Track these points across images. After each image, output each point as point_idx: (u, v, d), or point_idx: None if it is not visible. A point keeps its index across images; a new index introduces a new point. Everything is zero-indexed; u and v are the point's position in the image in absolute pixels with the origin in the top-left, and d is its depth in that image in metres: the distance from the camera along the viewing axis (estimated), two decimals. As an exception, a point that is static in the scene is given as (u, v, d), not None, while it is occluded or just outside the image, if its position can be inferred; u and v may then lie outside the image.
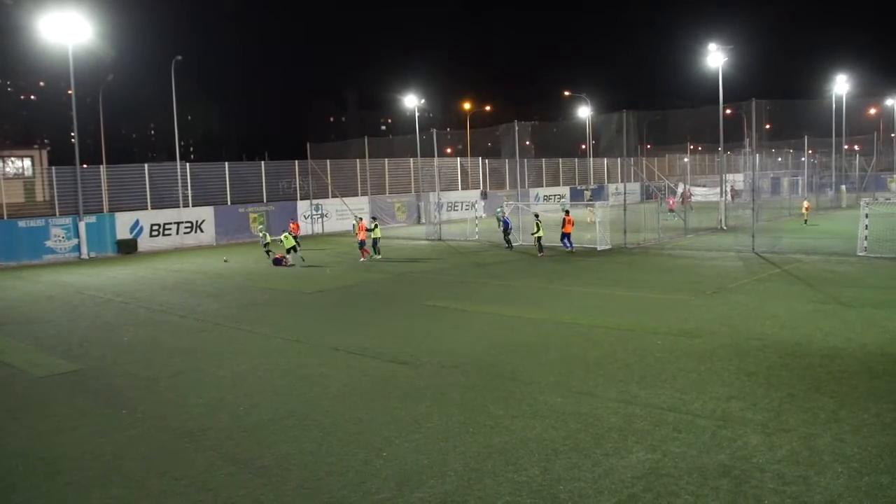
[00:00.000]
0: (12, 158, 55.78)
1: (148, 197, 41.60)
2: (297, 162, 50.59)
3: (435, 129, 49.90)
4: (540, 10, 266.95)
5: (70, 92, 41.15)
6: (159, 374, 14.45)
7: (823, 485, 8.23)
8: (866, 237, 27.48)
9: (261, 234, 34.69)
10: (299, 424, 11.00)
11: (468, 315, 19.06)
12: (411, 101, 64.68)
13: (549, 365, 13.68)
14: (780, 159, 79.63)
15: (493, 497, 8.28)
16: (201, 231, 43.14)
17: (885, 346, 14.26)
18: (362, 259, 32.03)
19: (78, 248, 37.91)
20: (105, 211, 39.98)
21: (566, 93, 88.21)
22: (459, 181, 60.05)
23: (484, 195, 59.38)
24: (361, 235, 32.58)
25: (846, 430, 9.84)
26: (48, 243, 37.12)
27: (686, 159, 75.07)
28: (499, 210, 38.14)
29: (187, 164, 45.97)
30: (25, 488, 9.27)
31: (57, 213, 38.14)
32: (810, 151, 58.87)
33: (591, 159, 74.10)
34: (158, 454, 10.13)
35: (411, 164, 56.20)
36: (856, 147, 76.66)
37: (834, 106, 58.17)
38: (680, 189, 54.08)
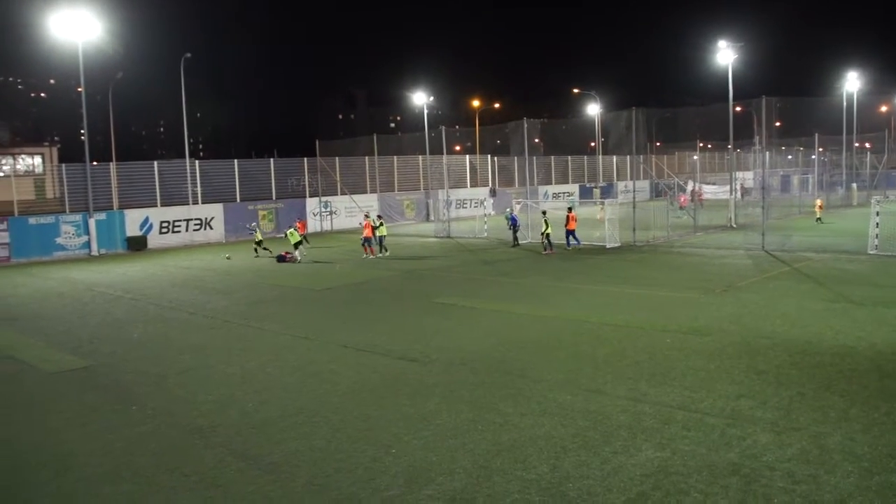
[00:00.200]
0: (23, 156, 56.04)
1: (157, 194, 41.77)
2: (306, 159, 50.68)
3: (444, 127, 49.89)
4: (549, 7, 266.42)
5: (80, 89, 41.17)
6: (169, 370, 14.50)
7: (833, 484, 8.20)
8: (877, 235, 27.34)
9: (254, 232, 34.73)
10: (308, 421, 11.01)
11: (477, 312, 19.06)
12: (420, 99, 64.65)
13: (558, 362, 13.66)
14: (790, 157, 79.31)
15: (501, 494, 8.28)
16: (210, 228, 43.27)
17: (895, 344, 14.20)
18: (364, 256, 32.06)
19: (88, 244, 38.07)
20: (115, 208, 40.14)
21: (575, 90, 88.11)
22: (468, 179, 60.08)
23: (493, 193, 59.35)
24: (367, 233, 32.58)
25: (856, 429, 9.80)
26: (58, 240, 37.30)
27: (696, 157, 74.83)
28: (508, 210, 38.10)
29: (197, 161, 46.11)
30: (36, 484, 9.31)
31: (67, 211, 38.32)
32: (821, 149, 58.52)
33: (601, 157, 73.94)
34: (168, 450, 10.17)
35: (420, 162, 56.23)
36: (867, 145, 76.19)
37: (845, 103, 57.88)
38: (690, 187, 53.94)
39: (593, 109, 77.15)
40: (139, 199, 41.25)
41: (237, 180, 45.50)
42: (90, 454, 10.19)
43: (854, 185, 59.33)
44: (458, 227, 43.03)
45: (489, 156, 63.46)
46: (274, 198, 47.22)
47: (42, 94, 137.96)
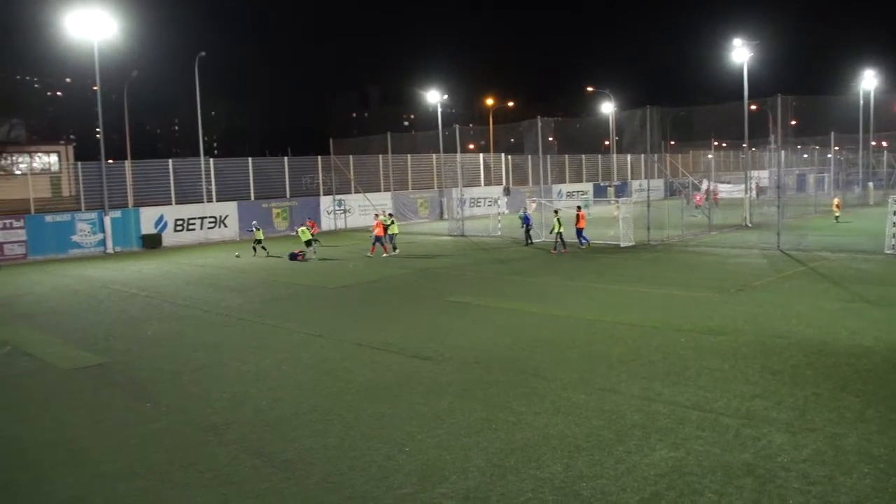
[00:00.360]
0: (39, 154, 56.40)
1: (172, 192, 41.92)
2: (319, 157, 50.76)
3: (457, 125, 49.93)
4: (563, 7, 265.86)
5: (95, 88, 41.46)
6: (183, 367, 14.56)
7: (849, 485, 8.15)
8: (894, 235, 27.13)
9: (254, 230, 34.80)
10: (322, 419, 11.04)
11: (491, 311, 19.05)
12: (434, 97, 64.68)
13: (572, 361, 13.64)
14: (805, 156, 78.76)
15: (515, 493, 8.28)
16: (225, 226, 43.41)
17: (912, 345, 14.10)
18: (369, 254, 32.06)
19: (103, 242, 38.27)
20: (130, 206, 40.34)
21: (589, 89, 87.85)
22: (482, 177, 60.03)
23: (506, 191, 59.27)
24: (378, 232, 32.53)
25: (873, 430, 9.74)
26: (74, 238, 37.51)
27: (710, 156, 74.44)
28: (522, 210, 38.05)
29: (211, 159, 46.24)
30: (52, 479, 9.38)
31: (83, 208, 38.53)
32: (837, 148, 58.12)
33: (615, 155, 73.73)
34: (182, 447, 10.22)
35: (434, 160, 56.20)
36: (884, 143, 75.63)
37: (861, 101, 57.41)
38: (704, 185, 53.67)
39: (607, 108, 76.97)
40: (154, 197, 41.45)
41: (251, 178, 45.62)
42: (105, 451, 10.25)
43: (871, 184, 58.89)
44: (471, 225, 43.01)
45: (503, 154, 63.36)
46: (288, 196, 47.33)
47: (58, 93, 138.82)
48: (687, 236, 34.85)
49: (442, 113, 59.54)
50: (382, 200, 50.11)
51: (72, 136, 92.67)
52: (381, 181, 53.55)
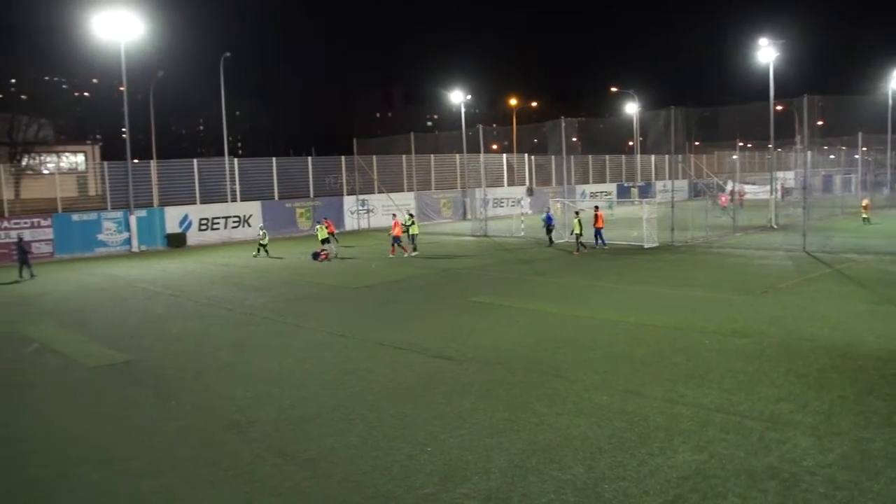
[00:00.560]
0: (66, 154, 57.02)
1: (197, 191, 42.26)
2: (343, 157, 50.94)
3: (481, 126, 49.79)
4: (587, 7, 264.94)
5: (122, 89, 41.85)
6: (207, 366, 14.67)
7: (876, 490, 8.06)
8: (923, 237, 26.78)
9: (261, 233, 34.86)
10: (345, 418, 11.07)
11: (513, 311, 19.02)
12: (457, 97, 64.69)
13: (595, 363, 13.59)
14: (832, 157, 77.97)
15: (537, 494, 8.26)
16: (249, 225, 43.66)
17: (941, 348, 13.91)
18: (391, 255, 32.11)
19: (129, 241, 38.65)
20: (155, 205, 40.72)
21: (613, 89, 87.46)
22: (505, 177, 59.97)
23: (530, 192, 59.16)
24: (396, 231, 32.60)
25: (900, 434, 9.63)
26: (100, 236, 37.91)
27: (735, 156, 73.92)
28: (546, 211, 37.95)
29: (235, 159, 46.60)
30: (78, 475, 9.48)
31: (109, 207, 38.94)
32: (864, 148, 57.49)
33: (639, 156, 73.37)
34: (206, 445, 10.29)
35: (457, 160, 56.20)
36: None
37: (890, 101, 56.72)
38: (729, 187, 53.30)
39: (632, 108, 76.62)
40: (179, 197, 41.81)
41: (275, 178, 45.89)
42: (130, 448, 10.35)
43: (899, 185, 58.17)
44: (494, 225, 42.98)
45: (526, 155, 63.26)
46: (312, 196, 47.54)
47: (85, 94, 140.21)
48: (711, 237, 34.61)
49: (465, 113, 59.55)
50: (405, 200, 50.19)
51: (98, 136, 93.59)
52: (405, 181, 53.65)
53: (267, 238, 34.49)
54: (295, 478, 9.04)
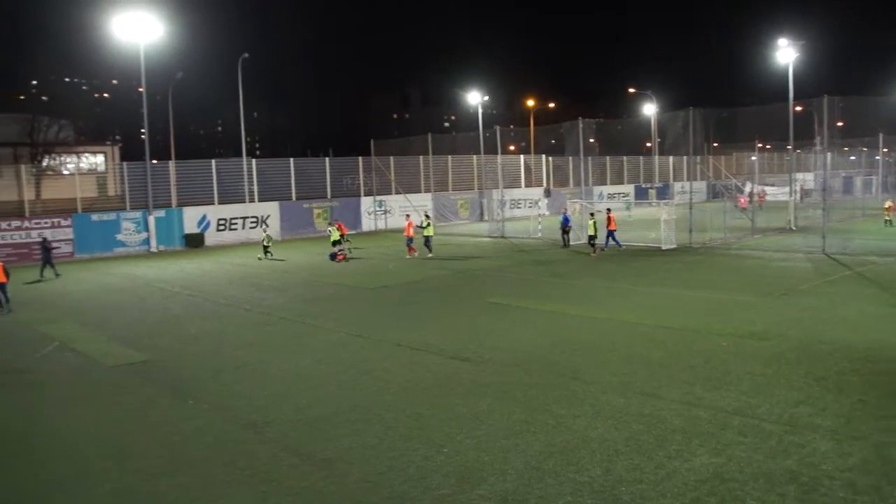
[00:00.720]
0: (86, 154, 57.38)
1: (215, 192, 42.51)
2: (360, 158, 51.04)
3: (498, 127, 49.72)
4: (605, 7, 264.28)
5: (141, 90, 42.17)
6: (225, 366, 14.73)
7: (897, 494, 7.98)
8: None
9: (264, 235, 34.87)
10: (361, 418, 11.09)
11: (530, 313, 18.98)
12: (475, 98, 64.68)
13: (612, 365, 13.54)
14: (852, 158, 77.37)
15: (553, 496, 8.24)
16: (267, 226, 43.82)
17: (963, 352, 13.76)
18: (408, 256, 32.12)
19: (147, 241, 38.92)
20: (173, 205, 40.97)
21: (631, 90, 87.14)
22: (523, 179, 59.91)
23: (547, 193, 59.06)
24: (409, 232, 32.64)
25: (921, 439, 9.53)
26: (119, 236, 38.20)
27: (754, 157, 73.46)
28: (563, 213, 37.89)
29: (253, 160, 46.86)
30: (96, 473, 9.54)
31: (127, 208, 39.22)
32: (885, 149, 57.00)
33: (657, 157, 73.07)
34: (223, 444, 10.33)
35: (474, 161, 56.22)
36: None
37: (911, 102, 56.23)
38: (748, 188, 52.98)
39: (649, 109, 76.30)
40: (197, 197, 42.04)
41: (293, 179, 46.08)
42: (148, 446, 10.41)
43: (921, 187, 57.64)
44: (511, 227, 42.94)
45: (544, 156, 63.18)
46: (329, 196, 47.68)
47: (105, 95, 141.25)
48: (729, 239, 34.40)
49: (483, 114, 59.56)
50: (423, 201, 50.24)
51: (118, 137, 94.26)
52: (422, 182, 53.71)
53: (271, 241, 34.48)
54: (311, 478, 9.06)
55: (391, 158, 52.08)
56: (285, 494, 8.63)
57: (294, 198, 46.01)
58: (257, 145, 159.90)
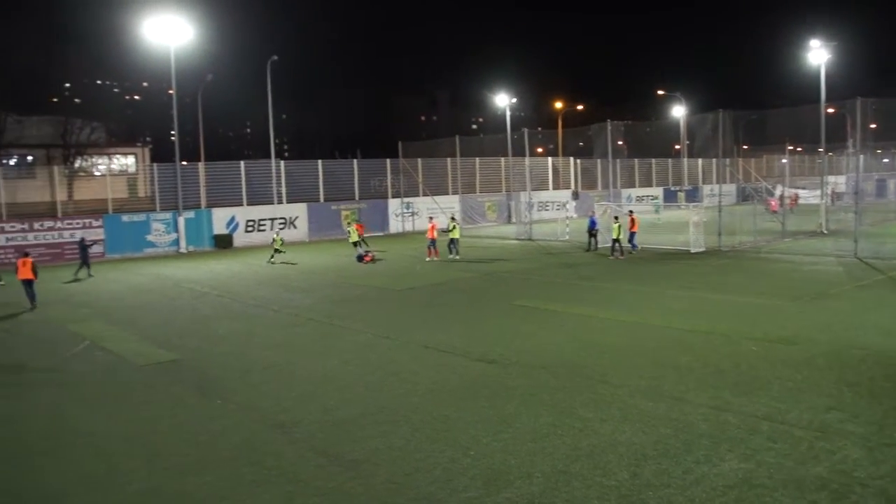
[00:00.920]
0: (117, 156, 58.07)
1: (244, 193, 42.83)
2: (388, 160, 51.17)
3: (526, 129, 49.61)
4: (633, 10, 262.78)
5: (171, 92, 42.60)
6: (253, 366, 14.83)
7: (930, 502, 7.86)
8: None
9: (275, 237, 34.90)
10: (389, 420, 11.11)
11: (557, 316, 18.92)
12: (503, 101, 64.58)
13: (640, 368, 13.46)
14: (886, 160, 76.35)
15: (580, 500, 8.20)
16: (295, 227, 44.12)
17: None
18: (428, 258, 32.10)
19: (176, 242, 39.29)
20: (203, 207, 41.33)
21: (660, 92, 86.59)
22: (550, 181, 59.73)
23: (575, 195, 58.84)
24: (432, 234, 32.65)
25: (955, 446, 9.37)
26: (149, 237, 38.61)
27: (784, 160, 72.72)
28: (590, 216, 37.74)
29: (282, 161, 47.15)
30: (126, 471, 9.64)
31: (157, 209, 39.63)
32: (920, 153, 56.13)
33: (686, 160, 72.56)
34: (251, 444, 10.40)
35: (502, 164, 56.16)
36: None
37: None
38: (778, 191, 52.44)
39: (678, 111, 75.78)
40: (226, 198, 42.37)
41: (321, 180, 46.31)
42: (177, 445, 10.50)
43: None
44: (539, 229, 42.83)
45: (572, 158, 62.95)
46: (357, 198, 47.85)
47: (136, 97, 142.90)
48: (759, 242, 34.08)
49: (510, 116, 59.43)
50: (450, 204, 50.26)
51: (148, 139, 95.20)
52: (450, 184, 53.74)
53: (283, 244, 34.49)
54: (338, 478, 9.09)
55: (419, 160, 52.19)
56: (312, 495, 8.67)
57: (322, 199, 46.23)
58: (286, 147, 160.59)
